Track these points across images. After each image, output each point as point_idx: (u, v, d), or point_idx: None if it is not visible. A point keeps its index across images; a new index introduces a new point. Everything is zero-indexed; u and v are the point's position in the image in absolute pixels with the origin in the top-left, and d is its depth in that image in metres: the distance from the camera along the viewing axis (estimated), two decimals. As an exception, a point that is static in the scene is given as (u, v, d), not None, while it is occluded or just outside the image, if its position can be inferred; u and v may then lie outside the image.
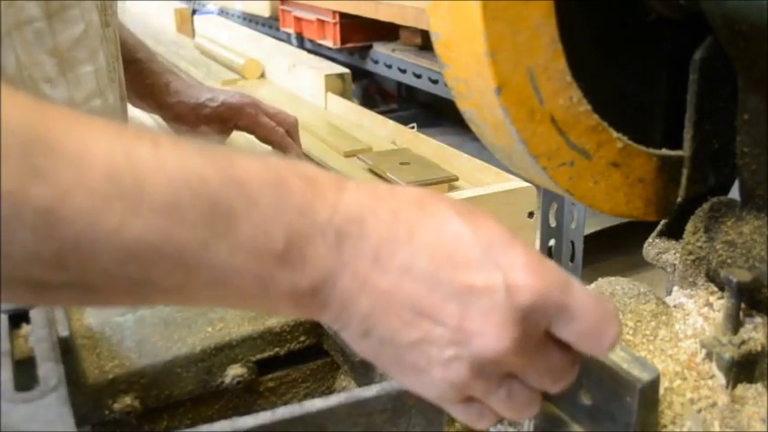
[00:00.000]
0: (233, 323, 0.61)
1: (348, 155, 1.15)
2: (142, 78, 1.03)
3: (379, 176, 1.04)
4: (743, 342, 0.51)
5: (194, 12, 2.97)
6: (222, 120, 1.04)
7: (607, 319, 0.41)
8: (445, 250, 0.39)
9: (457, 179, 1.01)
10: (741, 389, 0.50)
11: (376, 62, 2.38)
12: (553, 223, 1.87)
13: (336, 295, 0.39)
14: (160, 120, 1.08)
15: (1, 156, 0.33)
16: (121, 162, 0.36)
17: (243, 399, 0.62)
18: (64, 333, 0.57)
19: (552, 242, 1.90)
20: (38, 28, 0.71)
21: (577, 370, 0.43)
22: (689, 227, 0.59)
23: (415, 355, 0.40)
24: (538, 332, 0.40)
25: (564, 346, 0.41)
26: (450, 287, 0.39)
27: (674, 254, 0.62)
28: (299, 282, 0.39)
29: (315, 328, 0.62)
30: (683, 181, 0.59)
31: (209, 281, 0.38)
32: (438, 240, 0.40)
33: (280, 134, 1.03)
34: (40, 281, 0.36)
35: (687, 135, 0.58)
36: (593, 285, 0.61)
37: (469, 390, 0.40)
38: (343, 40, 2.41)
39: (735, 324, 0.51)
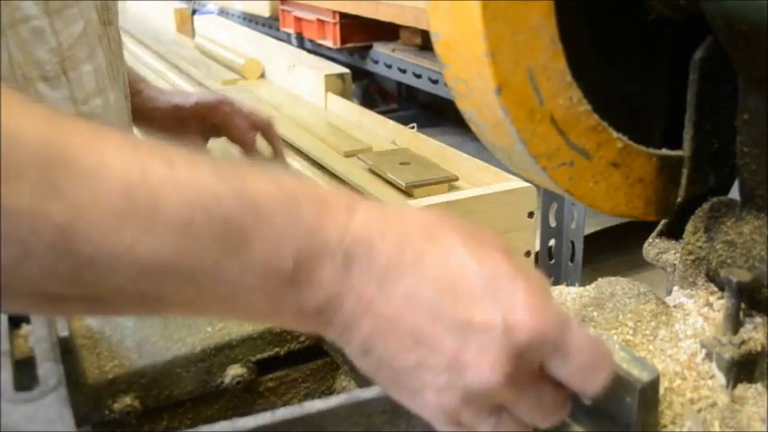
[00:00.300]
0: (233, 323, 0.61)
1: (348, 155, 1.15)
2: None
3: (379, 176, 1.04)
4: (743, 342, 0.51)
5: (194, 12, 2.97)
6: (199, 118, 1.04)
7: (600, 360, 0.42)
8: (449, 281, 0.40)
9: (457, 179, 1.01)
10: (741, 389, 0.50)
11: (376, 62, 2.38)
12: (553, 223, 1.87)
13: (341, 316, 0.41)
14: None
15: (18, 172, 0.34)
16: (137, 179, 0.36)
17: (243, 399, 0.62)
18: (64, 333, 0.57)
19: (552, 242, 1.90)
20: (36, 26, 0.71)
21: (569, 408, 0.44)
22: (689, 227, 0.59)
23: (411, 378, 0.41)
24: (532, 368, 0.41)
25: (557, 383, 0.42)
26: (450, 319, 0.40)
27: (674, 254, 0.62)
28: (307, 301, 0.40)
29: (315, 328, 0.61)
30: (683, 181, 0.59)
31: (220, 297, 0.39)
32: (443, 271, 0.40)
33: (251, 137, 1.03)
34: (56, 295, 0.37)
35: (687, 135, 0.58)
36: (592, 285, 0.61)
37: (459, 416, 0.41)
38: (343, 40, 2.41)
39: (735, 324, 0.51)
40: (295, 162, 1.07)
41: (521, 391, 0.41)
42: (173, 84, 1.76)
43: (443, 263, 0.40)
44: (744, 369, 0.50)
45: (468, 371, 0.39)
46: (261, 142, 1.04)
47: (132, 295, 0.38)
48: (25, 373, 0.49)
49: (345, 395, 0.46)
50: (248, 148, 1.02)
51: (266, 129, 1.04)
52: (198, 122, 1.04)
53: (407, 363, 0.40)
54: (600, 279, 0.61)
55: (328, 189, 0.43)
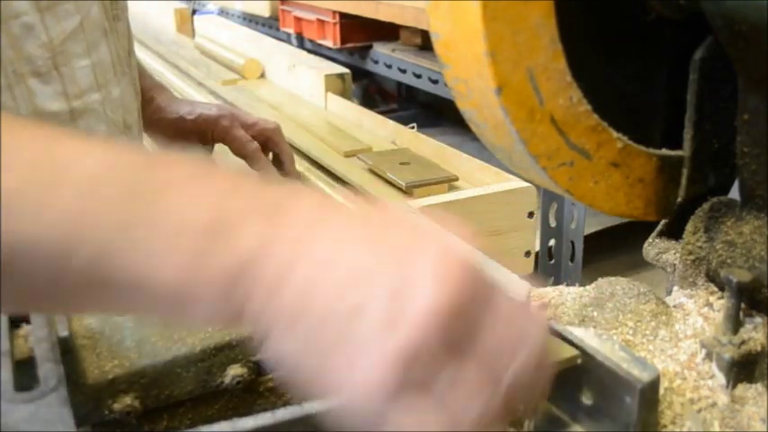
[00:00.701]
0: (233, 323, 0.61)
1: (348, 155, 1.15)
2: None
3: (379, 176, 1.04)
4: (743, 342, 0.51)
5: (194, 12, 2.97)
6: (199, 132, 1.04)
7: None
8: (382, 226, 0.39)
9: (457, 179, 1.01)
10: (741, 389, 0.50)
11: (376, 62, 2.39)
12: (553, 223, 1.87)
13: (270, 269, 0.36)
14: None
15: None
16: (50, 149, 0.36)
17: (243, 399, 0.62)
18: (64, 333, 0.57)
19: (552, 242, 1.90)
20: (27, 22, 0.71)
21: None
22: (689, 227, 0.59)
23: (346, 335, 0.35)
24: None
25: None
26: (387, 255, 0.37)
27: (674, 254, 0.62)
28: (226, 258, 0.35)
29: (315, 328, 0.61)
30: (683, 181, 0.59)
31: (132, 271, 0.36)
32: (372, 222, 0.39)
33: (251, 149, 1.02)
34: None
35: (687, 135, 0.58)
36: (592, 285, 0.61)
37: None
38: (343, 40, 2.41)
39: (735, 324, 0.51)
40: (295, 163, 1.07)
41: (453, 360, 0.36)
42: (172, 84, 1.76)
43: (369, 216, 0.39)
44: (744, 369, 0.50)
45: (412, 298, 0.35)
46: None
47: (39, 279, 0.36)
48: (25, 373, 0.49)
49: (345, 395, 0.45)
50: (250, 160, 1.02)
51: (272, 138, 1.04)
52: (198, 135, 1.04)
53: (344, 309, 0.35)
54: (600, 279, 0.61)
55: (261, 179, 0.40)
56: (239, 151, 1.03)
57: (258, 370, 0.61)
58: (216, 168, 0.39)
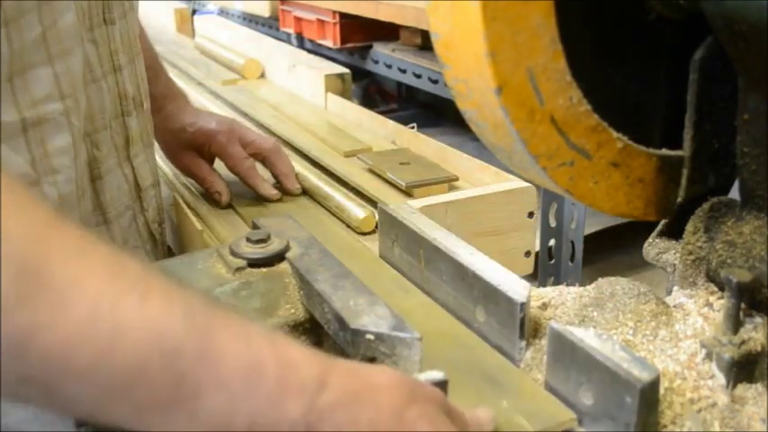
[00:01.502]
0: (233, 323, 0.61)
1: (348, 155, 1.15)
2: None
3: (379, 176, 1.04)
4: (743, 342, 0.51)
5: (194, 12, 2.97)
6: (197, 146, 1.04)
7: None
8: None
9: (457, 179, 1.01)
10: (741, 389, 0.50)
11: (376, 62, 2.39)
12: (553, 223, 1.87)
13: None
14: None
15: None
16: (105, 308, 0.37)
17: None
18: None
19: (552, 242, 1.90)
20: None
21: None
22: (689, 227, 0.59)
23: None
24: None
25: None
26: None
27: (674, 254, 0.62)
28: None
29: (315, 328, 0.61)
30: (683, 181, 0.59)
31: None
32: None
33: (245, 167, 1.01)
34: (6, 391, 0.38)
35: (687, 135, 0.58)
36: (593, 285, 0.61)
37: None
38: (343, 40, 2.41)
39: (735, 324, 0.51)
40: (295, 163, 1.07)
41: None
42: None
43: None
44: (744, 369, 0.50)
45: None
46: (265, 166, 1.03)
47: (77, 407, 0.38)
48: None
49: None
50: (244, 178, 1.01)
51: (268, 158, 1.03)
52: (196, 149, 1.04)
53: None
54: (600, 279, 0.61)
55: (301, 351, 0.42)
56: (233, 168, 1.02)
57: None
58: (266, 352, 0.40)
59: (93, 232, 0.41)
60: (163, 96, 1.03)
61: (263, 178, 1.02)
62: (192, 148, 1.04)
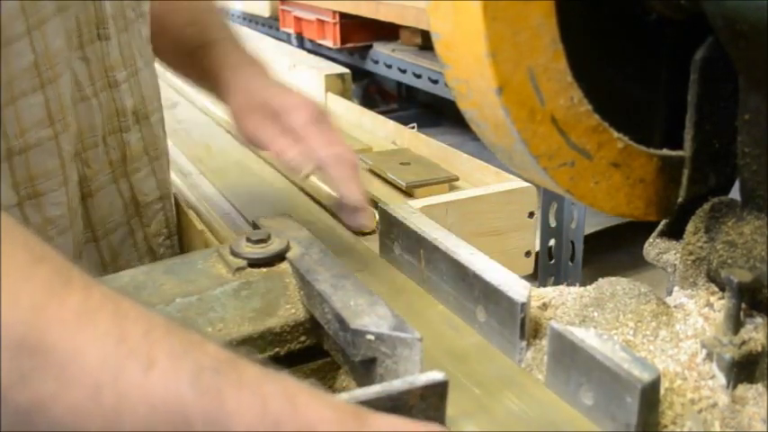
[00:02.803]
0: (233, 323, 0.61)
1: (348, 155, 1.15)
2: (203, 66, 0.89)
3: (379, 176, 1.04)
4: (743, 342, 0.51)
5: (194, 12, 2.96)
6: (272, 113, 0.83)
7: None
8: None
9: (457, 179, 1.01)
10: (742, 389, 0.50)
11: (376, 62, 2.39)
12: (553, 223, 1.87)
13: None
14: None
15: None
16: (107, 380, 0.36)
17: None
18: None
19: (552, 242, 1.90)
20: None
21: None
22: (689, 227, 0.58)
23: None
24: None
25: None
26: None
27: (675, 254, 0.62)
28: None
29: (315, 328, 0.61)
30: (684, 181, 0.58)
31: None
32: None
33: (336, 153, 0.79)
34: None
35: (688, 135, 0.58)
36: (593, 285, 0.61)
37: None
38: (343, 40, 2.41)
39: (735, 324, 0.51)
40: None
41: None
42: (173, 83, 1.76)
43: None
44: (744, 369, 0.50)
45: None
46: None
47: None
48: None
49: (346, 395, 0.45)
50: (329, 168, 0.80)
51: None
52: (270, 117, 0.83)
53: None
54: (600, 279, 0.61)
55: (322, 412, 0.40)
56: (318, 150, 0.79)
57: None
58: (285, 418, 0.39)
59: (84, 250, 0.41)
60: (228, 66, 0.88)
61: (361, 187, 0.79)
62: (265, 114, 0.84)
